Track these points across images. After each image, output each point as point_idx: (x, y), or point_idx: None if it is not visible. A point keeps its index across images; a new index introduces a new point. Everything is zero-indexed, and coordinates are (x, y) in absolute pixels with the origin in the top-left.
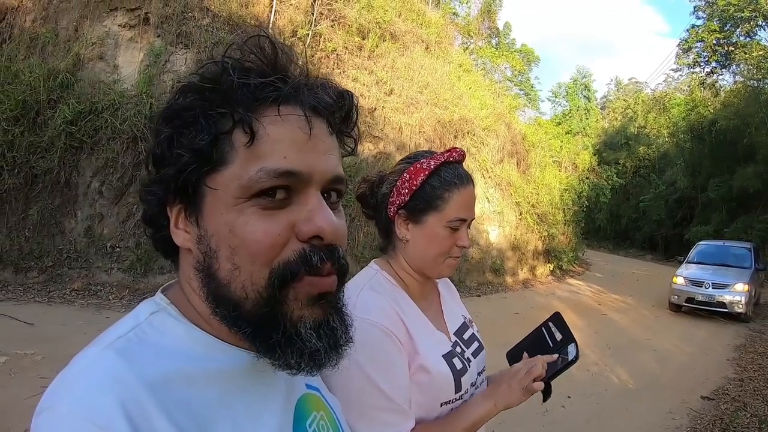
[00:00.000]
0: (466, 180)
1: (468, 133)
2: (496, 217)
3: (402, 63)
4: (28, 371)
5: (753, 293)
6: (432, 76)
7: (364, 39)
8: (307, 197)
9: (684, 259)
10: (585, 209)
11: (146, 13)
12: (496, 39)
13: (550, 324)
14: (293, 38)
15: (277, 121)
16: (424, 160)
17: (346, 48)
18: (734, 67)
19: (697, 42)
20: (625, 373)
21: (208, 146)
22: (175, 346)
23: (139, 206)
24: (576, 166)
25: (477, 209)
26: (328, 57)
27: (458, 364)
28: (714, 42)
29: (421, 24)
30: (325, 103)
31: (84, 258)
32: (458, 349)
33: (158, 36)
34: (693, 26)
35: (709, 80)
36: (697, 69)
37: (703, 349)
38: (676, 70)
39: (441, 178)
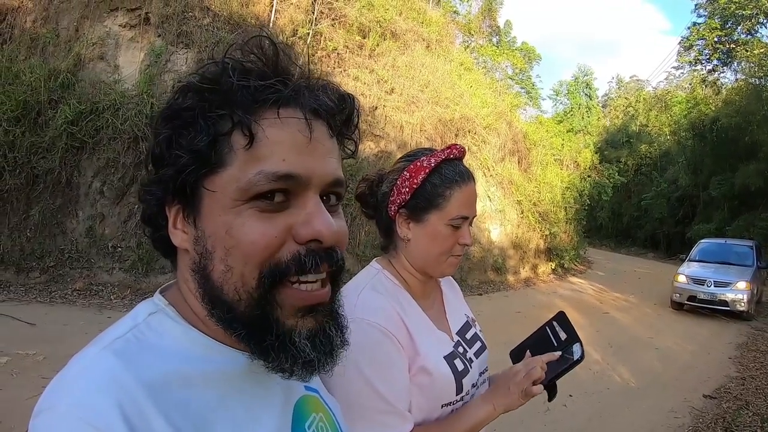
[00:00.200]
0: (467, 177)
1: (469, 132)
2: (498, 216)
3: (403, 62)
4: (30, 371)
5: (755, 291)
6: (433, 74)
7: (364, 38)
8: (305, 200)
9: (686, 258)
10: (587, 207)
11: (147, 13)
12: (497, 37)
13: (555, 323)
14: (294, 37)
15: (276, 123)
16: (425, 158)
17: (347, 47)
18: (736, 64)
19: (698, 40)
20: (627, 371)
21: (206, 148)
22: (173, 347)
23: (140, 206)
24: (577, 165)
25: (478, 208)
26: (329, 56)
27: (459, 365)
28: (715, 39)
29: (422, 22)
30: (326, 106)
31: (85, 258)
32: (460, 349)
33: (159, 36)
34: (694, 24)
35: (710, 78)
36: (699, 67)
37: (705, 348)
38: (677, 68)
39: (442, 175)
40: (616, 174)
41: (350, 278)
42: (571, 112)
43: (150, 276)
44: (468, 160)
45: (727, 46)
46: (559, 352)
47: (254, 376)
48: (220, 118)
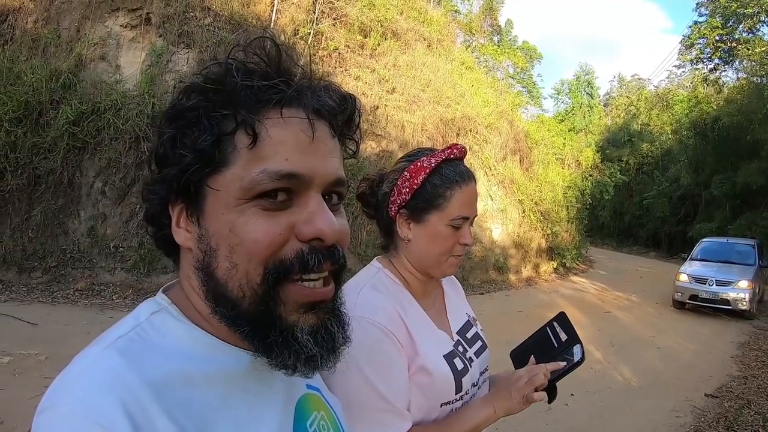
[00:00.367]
0: (468, 177)
1: (470, 131)
2: (499, 215)
3: (404, 61)
4: (32, 371)
5: (757, 290)
6: (434, 74)
7: (365, 37)
8: (307, 199)
9: (688, 257)
10: (588, 206)
11: (148, 13)
12: (498, 36)
13: (555, 324)
14: (295, 37)
15: (279, 123)
16: (425, 158)
17: (348, 46)
18: (737, 63)
19: (699, 38)
20: (629, 370)
21: (210, 147)
22: (176, 346)
23: (142, 206)
24: (579, 164)
25: (480, 207)
26: (330, 56)
27: (459, 365)
28: (717, 38)
29: (423, 22)
30: (327, 106)
31: (87, 258)
32: (460, 349)
33: (160, 36)
34: (695, 23)
35: (712, 77)
36: (700, 65)
37: (706, 347)
38: (678, 67)
39: (442, 176)
40: (618, 173)
41: (351, 277)
42: (573, 111)
43: (152, 276)
44: (469, 160)
45: (729, 45)
46: (564, 363)
47: (257, 375)
48: (224, 118)
